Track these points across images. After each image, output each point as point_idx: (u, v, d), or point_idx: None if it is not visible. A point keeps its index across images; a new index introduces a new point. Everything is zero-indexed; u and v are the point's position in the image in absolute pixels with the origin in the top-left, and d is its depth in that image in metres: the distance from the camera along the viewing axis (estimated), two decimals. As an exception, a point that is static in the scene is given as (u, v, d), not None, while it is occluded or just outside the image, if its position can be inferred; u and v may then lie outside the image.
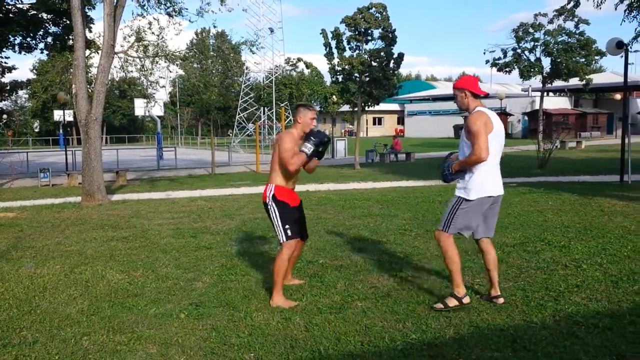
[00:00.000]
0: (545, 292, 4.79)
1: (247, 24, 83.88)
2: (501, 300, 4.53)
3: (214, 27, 27.56)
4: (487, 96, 4.68)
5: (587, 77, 28.61)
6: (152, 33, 16.86)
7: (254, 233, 7.87)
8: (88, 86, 13.14)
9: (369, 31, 20.84)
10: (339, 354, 3.68)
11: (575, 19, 27.54)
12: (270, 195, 4.74)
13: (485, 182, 4.31)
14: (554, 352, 3.58)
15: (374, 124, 64.95)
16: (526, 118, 45.06)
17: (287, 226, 4.70)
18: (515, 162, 20.94)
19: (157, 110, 32.74)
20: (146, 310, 4.65)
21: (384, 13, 20.68)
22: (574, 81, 30.56)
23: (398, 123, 64.25)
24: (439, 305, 4.42)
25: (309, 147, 4.68)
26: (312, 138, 4.71)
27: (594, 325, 4.00)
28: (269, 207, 4.76)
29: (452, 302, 4.37)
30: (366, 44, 21.03)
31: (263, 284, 5.26)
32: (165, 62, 17.46)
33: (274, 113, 43.25)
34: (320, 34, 20.99)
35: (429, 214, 9.14)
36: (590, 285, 4.95)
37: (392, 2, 19.74)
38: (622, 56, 13.43)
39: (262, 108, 46.78)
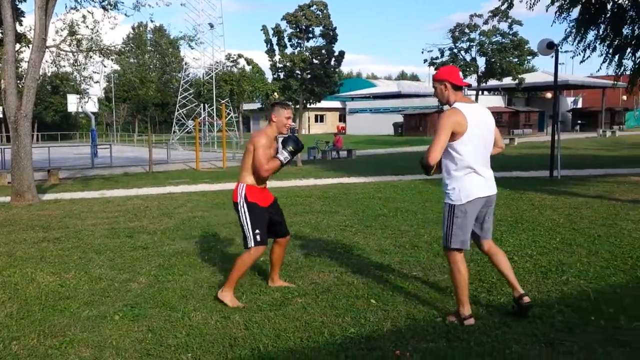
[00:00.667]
0: (478, 284, 4.95)
1: (186, 18, 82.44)
2: (526, 299, 4.09)
3: (151, 21, 26.96)
4: (469, 87, 4.40)
5: (519, 76, 29.69)
6: (86, 27, 16.31)
7: (193, 232, 7.74)
8: (18, 81, 12.57)
9: (310, 28, 20.92)
10: (278, 351, 3.68)
11: (509, 20, 28.51)
12: (242, 195, 4.56)
13: (471, 184, 3.96)
14: (486, 342, 3.70)
15: (316, 121, 65.19)
16: (463, 116, 46.27)
17: (257, 231, 4.53)
18: (452, 158, 21.49)
19: (91, 107, 31.70)
20: (79, 312, 4.50)
21: (325, 11, 20.81)
22: (508, 80, 31.65)
23: (340, 120, 64.75)
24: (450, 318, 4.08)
25: (285, 156, 4.54)
26: (289, 146, 4.55)
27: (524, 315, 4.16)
28: (239, 208, 4.58)
29: (451, 319, 4.05)
30: (307, 41, 21.10)
31: (201, 284, 5.19)
32: (99, 56, 16.94)
33: (215, 110, 42.71)
34: (261, 30, 20.90)
35: (369, 209, 9.26)
36: (521, 277, 5.14)
37: (333, 0, 19.87)
38: (552, 56, 14.01)
39: (202, 104, 46.10)
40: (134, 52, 68.05)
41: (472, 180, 3.97)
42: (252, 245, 4.53)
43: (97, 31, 16.48)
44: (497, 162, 18.52)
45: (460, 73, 4.09)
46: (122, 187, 14.30)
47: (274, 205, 4.81)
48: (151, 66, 77.29)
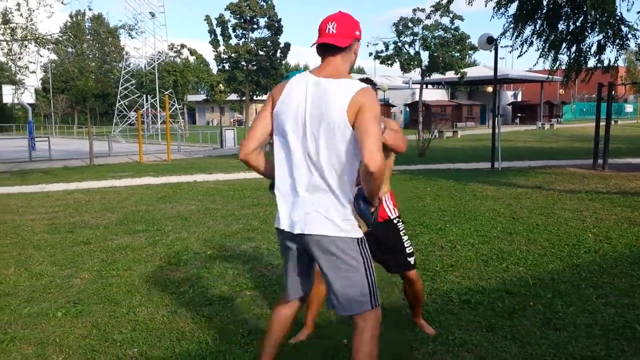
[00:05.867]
0: (423, 272, 5.06)
1: (126, 7, 79.96)
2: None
3: (90, 9, 26.01)
4: (321, 45, 2.57)
5: (461, 70, 30.33)
6: (21, 15, 15.67)
7: (137, 226, 7.57)
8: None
9: (255, 19, 20.75)
10: (226, 344, 3.66)
11: (450, 15, 29.04)
12: None
13: (277, 204, 2.64)
14: (431, 328, 3.80)
15: (262, 113, 64.74)
16: (407, 109, 47.10)
17: None
18: (397, 150, 21.83)
19: (28, 98, 30.49)
20: (20, 309, 4.34)
21: (269, 2, 20.67)
22: (450, 74, 32.30)
23: (286, 113, 64.52)
24: None
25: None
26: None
27: (467, 302, 4.29)
28: None
29: None
30: (252, 32, 20.92)
31: (147, 279, 5.10)
32: (35, 46, 16.33)
33: (158, 101, 41.77)
34: (205, 20, 20.58)
35: (316, 202, 9.30)
36: (464, 265, 5.30)
37: (278, -8, 19.78)
38: (492, 51, 14.41)
39: (144, 96, 44.99)
40: (71, 41, 65.71)
41: (276, 198, 2.64)
42: None
43: (32, 20, 15.88)
44: (441, 155, 18.85)
45: (327, 25, 2.56)
46: (62, 180, 13.82)
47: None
48: (90, 56, 74.82)
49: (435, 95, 48.57)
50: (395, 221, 3.51)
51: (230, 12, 20.51)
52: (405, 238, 3.55)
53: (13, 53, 16.35)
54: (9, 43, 16.01)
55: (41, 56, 18.77)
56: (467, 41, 29.90)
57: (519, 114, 50.38)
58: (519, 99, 57.08)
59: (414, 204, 8.81)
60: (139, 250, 6.21)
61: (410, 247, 3.57)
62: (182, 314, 4.17)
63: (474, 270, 5.14)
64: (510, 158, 16.26)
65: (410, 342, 3.58)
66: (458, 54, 30.23)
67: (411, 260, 3.55)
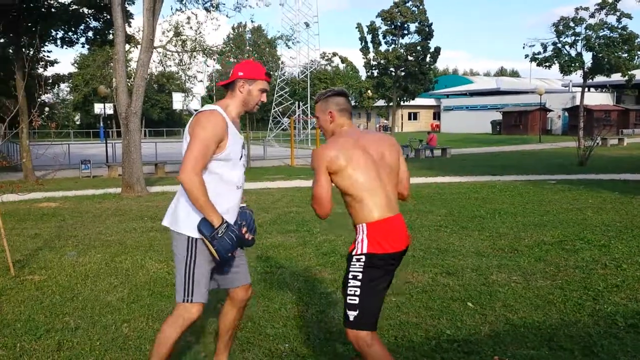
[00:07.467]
0: (583, 291, 4.71)
1: (283, 18, 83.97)
2: None
3: (252, 22, 27.76)
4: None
5: (629, 72, 27.80)
6: (190, 28, 17.19)
7: (288, 227, 7.93)
8: (128, 80, 13.42)
9: (405, 25, 20.76)
10: (372, 348, 3.69)
11: (617, 13, 26.78)
12: None
13: None
14: (591, 352, 3.52)
15: (409, 119, 64.44)
16: (566, 114, 44.10)
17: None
18: (554, 158, 20.54)
19: (195, 104, 33.27)
20: (183, 299, 4.74)
21: (421, 7, 20.57)
22: (616, 77, 29.75)
23: (434, 118, 63.64)
24: None
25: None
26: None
27: (634, 326, 3.92)
28: None
29: None
30: (402, 38, 20.94)
31: (297, 277, 5.31)
32: (202, 56, 17.77)
33: (309, 108, 43.34)
34: (356, 28, 20.99)
35: (465, 210, 9.05)
36: (631, 286, 4.84)
37: (429, -4, 19.58)
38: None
39: (296, 102, 46.94)
40: (234, 52, 70.38)
41: None
42: None
43: (200, 32, 17.33)
44: (605, 164, 17.35)
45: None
46: (221, 181, 14.85)
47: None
48: (249, 65, 79.46)
49: (598, 99, 44.94)
50: (354, 259, 2.69)
51: (382, 19, 20.73)
52: (352, 283, 2.66)
53: (183, 63, 17.98)
54: (180, 54, 17.61)
55: (207, 66, 20.46)
56: (637, 41, 27.36)
57: (699, 121, 44.86)
58: (700, 103, 50.80)
59: (572, 216, 8.23)
60: (290, 249, 6.49)
61: (354, 299, 2.65)
62: (329, 314, 4.29)
63: (643, 292, 4.67)
64: (688, 169, 14.57)
65: (567, 365, 3.36)
66: (625, 55, 27.77)
67: (349, 314, 2.66)
